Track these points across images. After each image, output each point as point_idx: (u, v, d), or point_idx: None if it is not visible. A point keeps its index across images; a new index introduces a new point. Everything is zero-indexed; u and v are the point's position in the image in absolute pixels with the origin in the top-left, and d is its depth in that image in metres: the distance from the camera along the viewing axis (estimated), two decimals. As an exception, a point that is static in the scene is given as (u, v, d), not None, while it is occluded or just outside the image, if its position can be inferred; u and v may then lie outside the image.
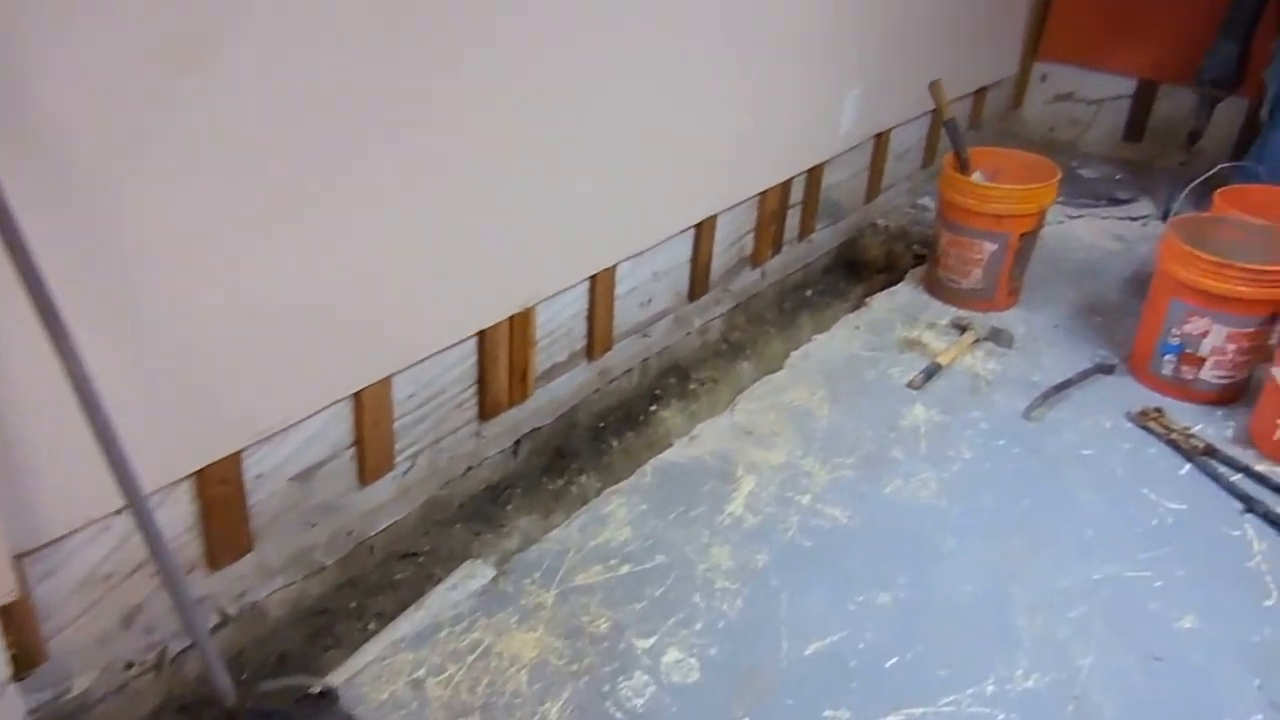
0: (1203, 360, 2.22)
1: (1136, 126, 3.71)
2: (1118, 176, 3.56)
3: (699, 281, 2.50)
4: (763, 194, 2.60)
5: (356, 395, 1.71)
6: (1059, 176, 2.55)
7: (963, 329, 2.55)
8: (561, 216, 1.98)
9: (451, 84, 1.63)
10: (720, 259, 2.56)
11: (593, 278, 2.14)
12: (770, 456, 2.10)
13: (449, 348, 1.86)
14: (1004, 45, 3.66)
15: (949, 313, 2.66)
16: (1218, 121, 3.25)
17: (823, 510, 1.95)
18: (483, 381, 1.98)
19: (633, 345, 2.37)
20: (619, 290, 2.24)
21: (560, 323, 2.12)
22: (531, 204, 1.89)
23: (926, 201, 3.32)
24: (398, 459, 1.86)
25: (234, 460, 1.54)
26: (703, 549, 1.84)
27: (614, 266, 2.18)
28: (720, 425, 2.20)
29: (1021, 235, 2.56)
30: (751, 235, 2.65)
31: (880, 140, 3.05)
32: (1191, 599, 1.74)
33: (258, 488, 1.61)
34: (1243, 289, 2.11)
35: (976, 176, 2.71)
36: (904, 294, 2.77)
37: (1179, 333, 2.23)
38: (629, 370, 2.39)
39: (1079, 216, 3.26)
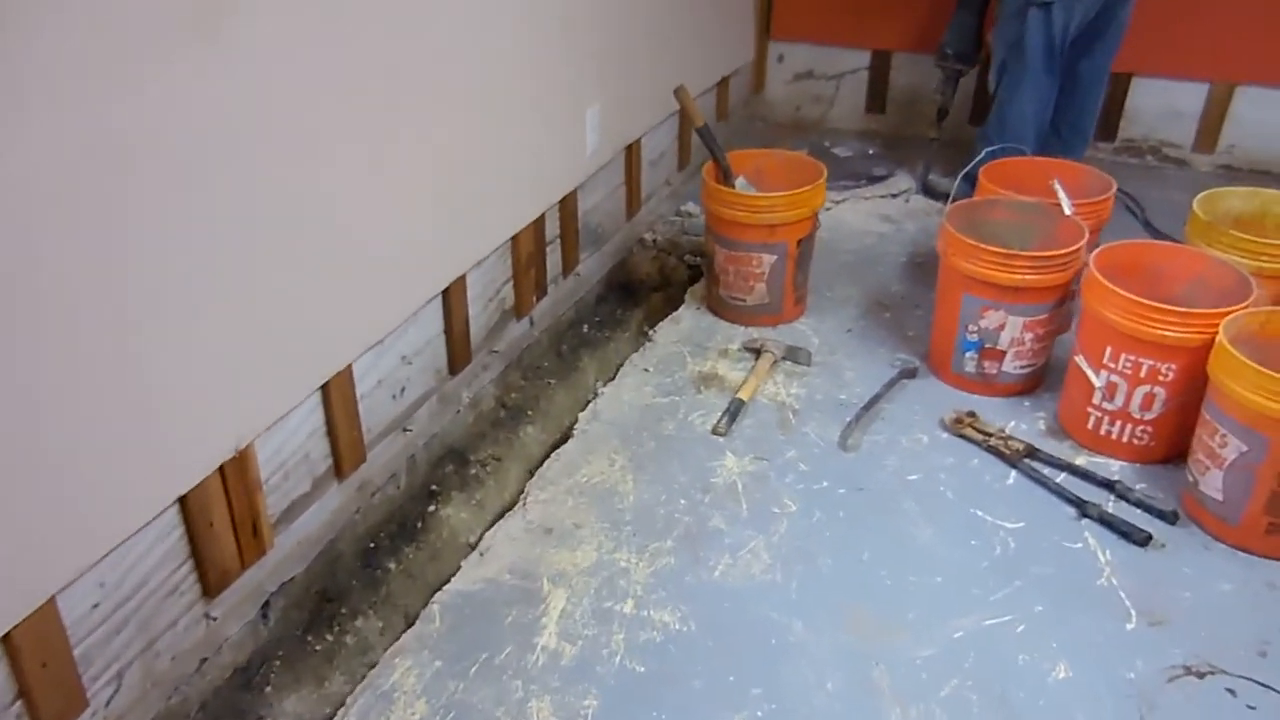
0: (1003, 354, 2.12)
1: (878, 98, 3.66)
2: (870, 151, 3.50)
3: (458, 351, 2.13)
4: (514, 238, 2.26)
5: (6, 638, 1.23)
6: (825, 175, 2.38)
7: (757, 352, 2.33)
8: (269, 327, 1.56)
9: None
10: (479, 320, 2.20)
11: (324, 386, 1.73)
12: (577, 558, 1.78)
13: (138, 531, 1.40)
14: (738, 31, 3.49)
15: (738, 333, 2.44)
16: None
17: (650, 617, 1.65)
18: (198, 553, 1.53)
19: (393, 445, 1.98)
20: (362, 389, 1.83)
21: (293, 449, 1.70)
22: (226, 322, 1.46)
23: (691, 207, 3.10)
24: (92, 689, 1.39)
25: None
26: (518, 707, 1.50)
27: (349, 366, 1.77)
28: (512, 528, 1.86)
29: (798, 242, 2.37)
30: (510, 285, 2.31)
31: (631, 151, 2.79)
32: (1057, 640, 1.59)
33: None
34: (1032, 277, 2.01)
35: (740, 183, 2.50)
36: (687, 319, 2.52)
37: (975, 329, 2.11)
38: (393, 475, 1.99)
39: (843, 200, 3.15)
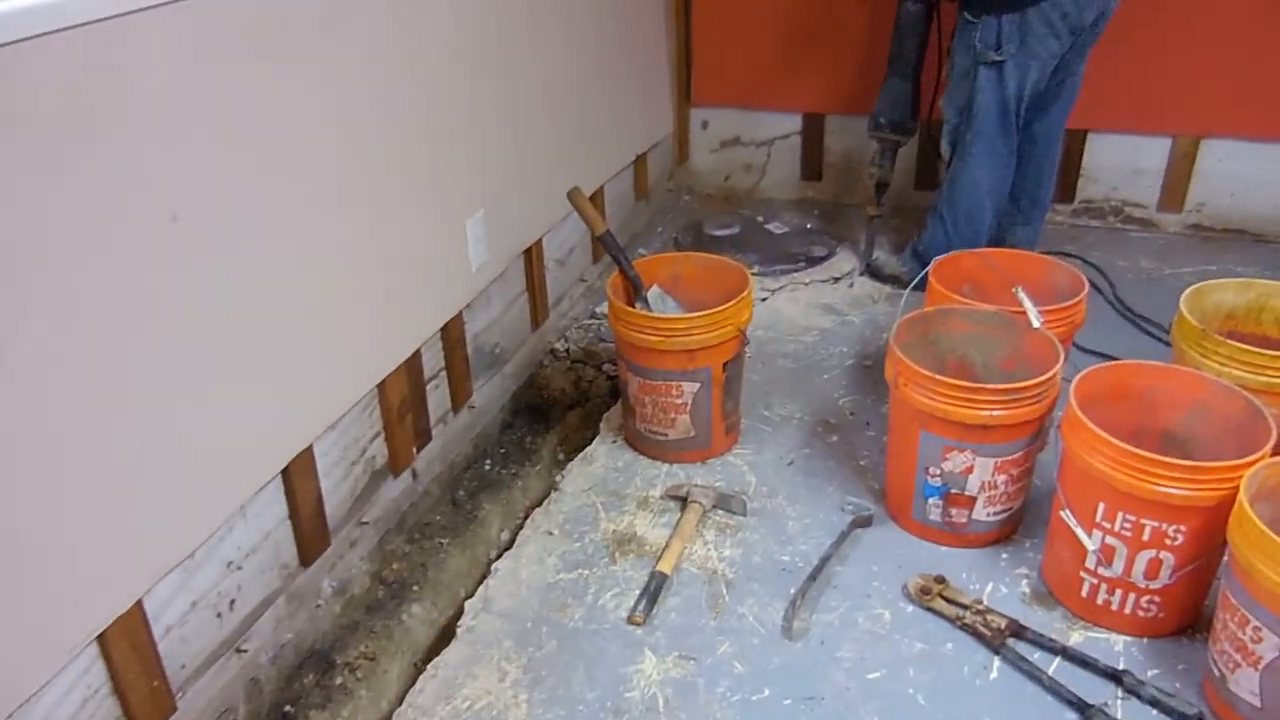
0: (973, 500, 1.76)
1: (813, 164, 3.33)
2: (809, 225, 3.16)
3: (311, 536, 1.73)
4: (381, 385, 1.87)
5: None
6: (750, 286, 2.02)
7: (683, 500, 1.96)
8: (13, 580, 1.15)
9: None
10: (338, 491, 1.80)
11: (102, 636, 1.32)
12: (451, 832, 1.38)
13: None
14: (655, 102, 3.15)
15: (660, 473, 2.06)
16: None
17: None
18: None
19: (222, 673, 1.56)
20: (164, 623, 1.43)
21: (59, 727, 1.28)
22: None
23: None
24: None
25: None
26: None
27: (138, 602, 1.37)
28: (371, 788, 1.45)
29: (725, 365, 2.00)
30: (381, 439, 1.92)
31: (531, 255, 2.41)
32: None
33: None
34: (1003, 414, 1.66)
35: (653, 294, 2.14)
36: (601, 457, 2.14)
37: (938, 472, 1.75)
38: (228, 709, 1.58)
39: (780, 288, 2.81)
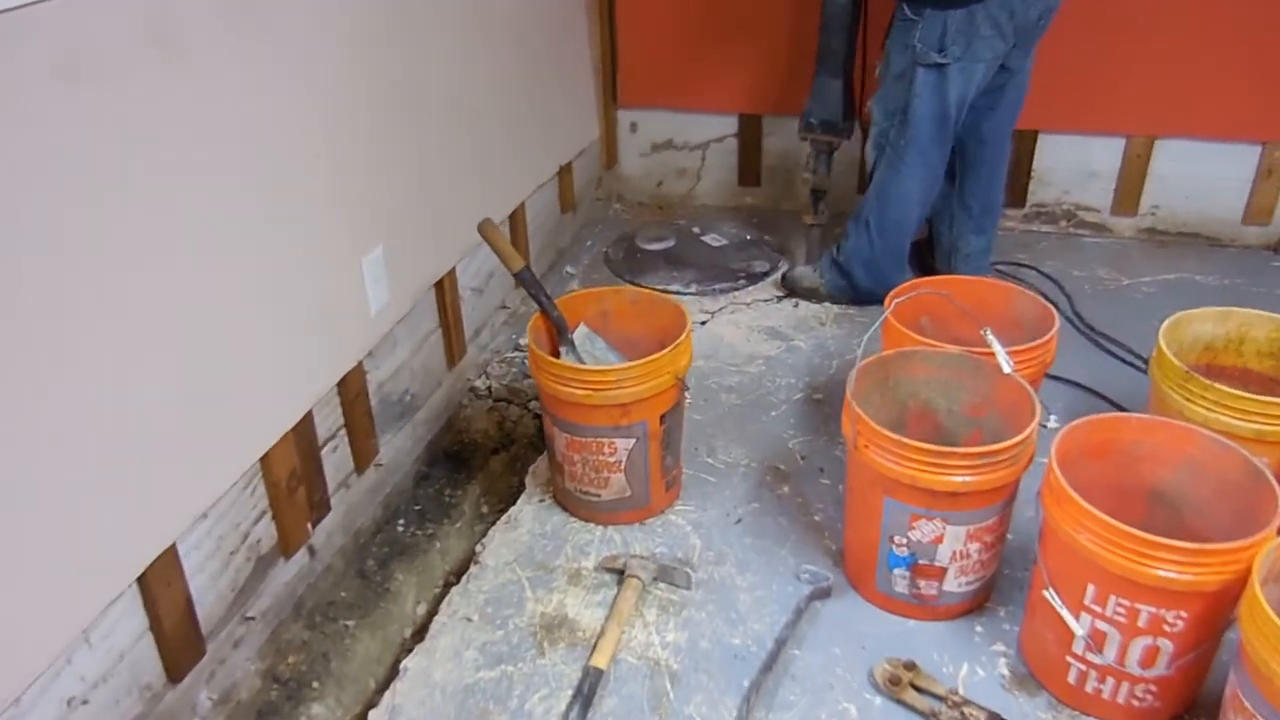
0: (943, 571, 1.57)
1: (751, 168, 3.12)
2: (748, 236, 2.95)
3: (180, 647, 1.47)
4: (264, 459, 1.61)
5: None
6: (688, 326, 1.79)
7: (620, 573, 1.73)
8: None
9: None
10: (215, 587, 1.54)
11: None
12: None
13: None
14: (577, 106, 2.90)
15: (593, 538, 1.84)
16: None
17: None
18: None
19: (71, 829, 1.30)
20: (-14, 791, 1.16)
21: None
22: None
23: (532, 336, 2.48)
24: None
25: None
26: None
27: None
28: None
29: (663, 416, 1.78)
30: (268, 518, 1.66)
31: (442, 288, 2.16)
32: None
33: None
34: (975, 479, 1.46)
35: (579, 335, 1.91)
36: (528, 520, 1.90)
37: (904, 541, 1.56)
38: None
39: (720, 310, 2.59)
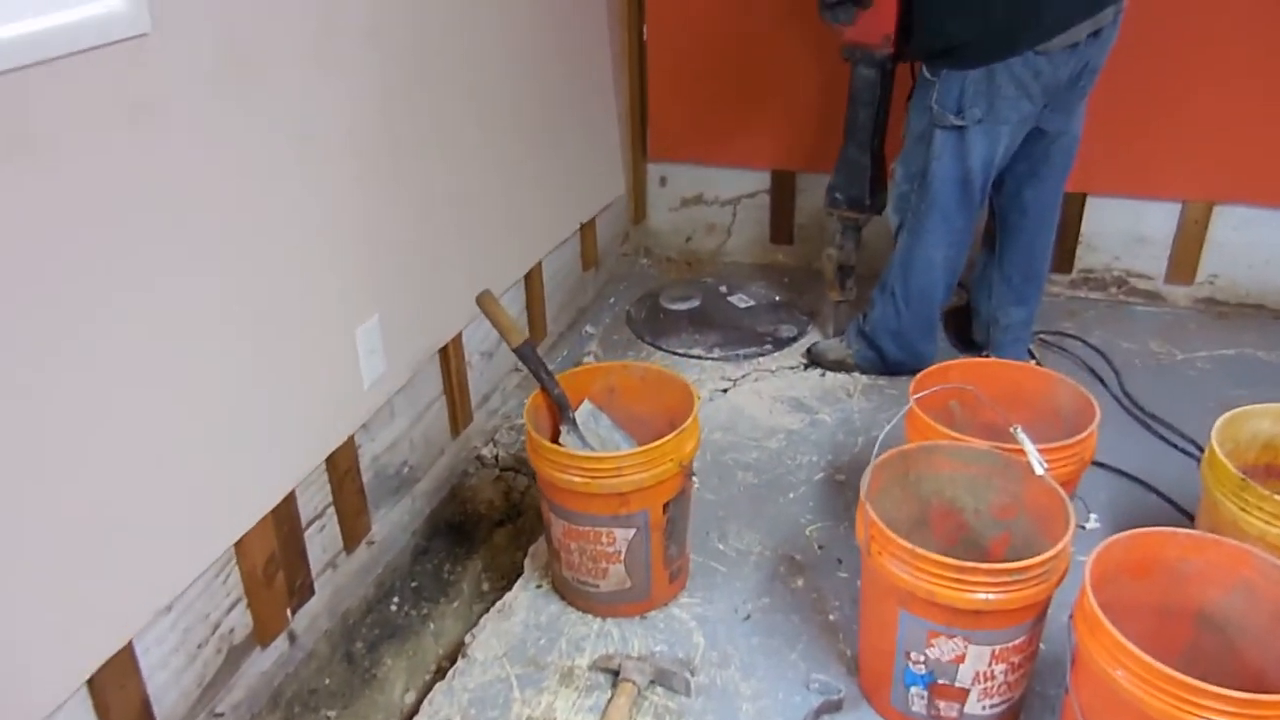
0: (965, 692, 1.42)
1: (783, 226, 3.01)
2: (777, 298, 2.83)
3: (140, 749, 1.38)
4: (238, 544, 1.52)
5: None
6: (695, 408, 1.68)
7: (615, 674, 1.61)
8: None
9: None
10: (179, 683, 1.45)
11: None
12: None
13: None
14: (603, 161, 2.82)
15: (589, 632, 1.72)
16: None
17: None
18: None
19: None
20: None
21: None
22: None
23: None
24: None
25: None
26: None
27: None
28: None
29: (666, 505, 1.67)
30: (242, 606, 1.57)
31: (449, 352, 2.07)
32: None
33: None
34: (1000, 598, 1.32)
35: (582, 413, 1.80)
36: (522, 609, 1.79)
37: (921, 659, 1.42)
38: None
39: (743, 377, 2.47)
